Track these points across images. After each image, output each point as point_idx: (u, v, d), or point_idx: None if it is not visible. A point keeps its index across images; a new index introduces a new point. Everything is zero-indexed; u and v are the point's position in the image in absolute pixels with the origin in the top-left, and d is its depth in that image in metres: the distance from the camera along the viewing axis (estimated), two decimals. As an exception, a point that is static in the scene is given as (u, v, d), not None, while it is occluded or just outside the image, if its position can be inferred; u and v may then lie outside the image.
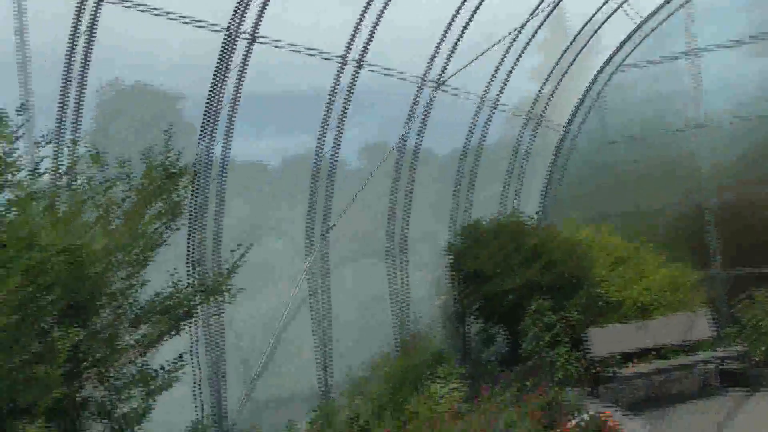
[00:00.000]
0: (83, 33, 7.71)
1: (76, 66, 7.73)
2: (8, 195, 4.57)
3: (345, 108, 9.99)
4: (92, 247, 4.22)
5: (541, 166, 14.67)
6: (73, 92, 7.66)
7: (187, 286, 5.92)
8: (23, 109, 4.94)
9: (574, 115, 14.60)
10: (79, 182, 5.78)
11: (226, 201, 8.66)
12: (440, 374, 9.94)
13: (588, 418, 8.44)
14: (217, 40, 8.64)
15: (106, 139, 8.83)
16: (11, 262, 3.92)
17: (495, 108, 12.78)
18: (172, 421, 5.91)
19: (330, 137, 9.97)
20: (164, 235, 5.90)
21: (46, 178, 4.87)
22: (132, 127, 9.62)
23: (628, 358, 11.24)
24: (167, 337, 5.64)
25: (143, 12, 8.02)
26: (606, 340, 11.13)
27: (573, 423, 8.45)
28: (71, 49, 7.67)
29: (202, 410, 8.02)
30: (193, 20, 8.33)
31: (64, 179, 6.31)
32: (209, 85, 8.72)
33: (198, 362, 8.08)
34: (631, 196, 13.91)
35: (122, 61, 8.49)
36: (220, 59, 8.66)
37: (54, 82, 7.80)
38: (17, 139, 4.47)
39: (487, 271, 11.52)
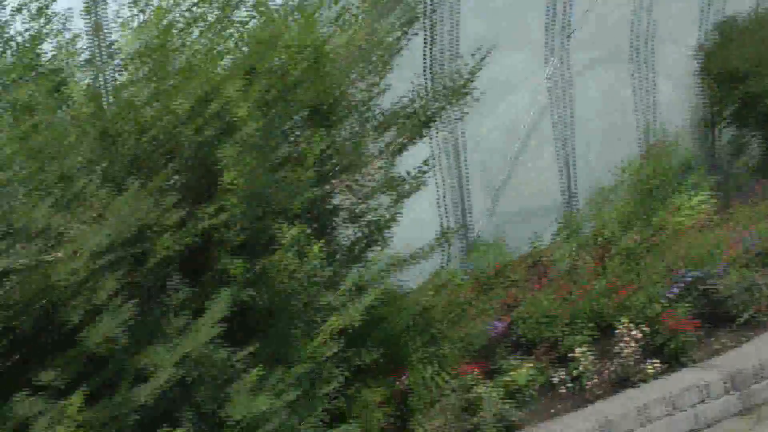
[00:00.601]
0: None
1: None
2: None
3: None
4: (335, 41, 4.11)
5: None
6: None
7: (429, 91, 5.78)
8: None
9: None
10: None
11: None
12: (688, 184, 9.38)
13: None
14: None
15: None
16: (256, 64, 3.91)
17: None
18: (418, 234, 5.92)
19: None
20: (402, 42, 5.77)
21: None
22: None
23: None
24: (411, 145, 5.59)
25: None
26: None
27: None
28: None
29: (447, 221, 8.04)
30: None
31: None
32: None
33: (441, 176, 8.04)
34: None
35: None
36: None
37: None
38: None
39: (743, 71, 10.50)
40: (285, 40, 3.92)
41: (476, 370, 5.60)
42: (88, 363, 4.10)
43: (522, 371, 5.69)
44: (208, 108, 4.13)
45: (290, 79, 3.99)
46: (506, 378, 5.67)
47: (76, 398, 3.70)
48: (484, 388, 5.44)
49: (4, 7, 4.53)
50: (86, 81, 4.62)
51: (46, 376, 3.93)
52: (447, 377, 5.35)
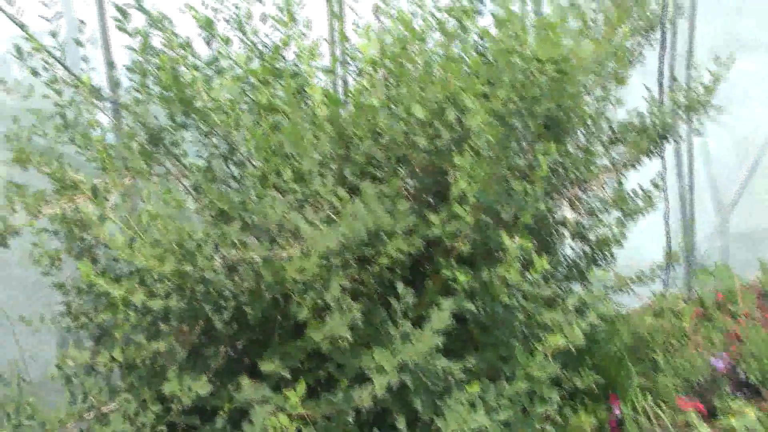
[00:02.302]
0: None
1: None
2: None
3: None
4: (580, 55, 4.00)
5: None
6: None
7: (662, 104, 5.53)
8: None
9: None
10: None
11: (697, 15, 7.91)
12: None
13: None
14: None
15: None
16: (498, 75, 3.87)
17: None
18: (642, 251, 5.68)
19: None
20: (639, 51, 5.58)
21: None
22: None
23: None
24: (641, 161, 5.38)
25: None
26: None
27: None
28: None
29: (672, 240, 7.68)
30: None
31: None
32: None
33: (667, 191, 7.69)
34: None
35: None
36: None
37: None
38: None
39: None
40: (527, 53, 3.84)
41: (693, 408, 5.29)
42: (308, 358, 4.23)
43: (746, 416, 5.30)
44: (443, 116, 4.13)
45: (530, 92, 3.91)
46: (727, 421, 5.30)
47: (299, 388, 3.81)
48: (705, 428, 5.11)
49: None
50: (325, 84, 4.77)
51: (268, 366, 4.08)
52: (664, 411, 5.08)
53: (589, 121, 5.14)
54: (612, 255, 5.11)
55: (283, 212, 3.95)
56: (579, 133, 5.14)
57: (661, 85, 7.59)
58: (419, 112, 4.05)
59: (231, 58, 4.71)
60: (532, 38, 3.98)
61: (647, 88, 5.71)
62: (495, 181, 4.14)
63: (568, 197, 5.12)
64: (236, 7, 4.99)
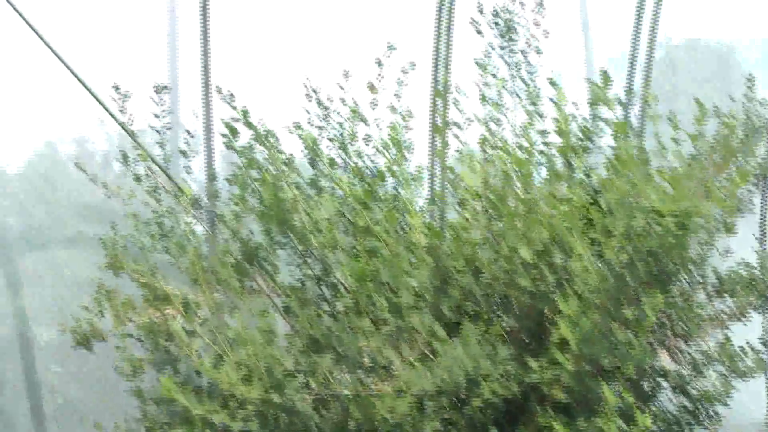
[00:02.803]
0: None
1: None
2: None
3: None
4: (702, 211, 3.83)
5: None
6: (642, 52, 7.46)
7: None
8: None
9: None
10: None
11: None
12: None
13: None
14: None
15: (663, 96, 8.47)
16: (616, 225, 3.72)
17: None
18: (740, 407, 5.32)
19: None
20: (749, 198, 5.38)
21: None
22: (688, 83, 9.14)
23: None
24: (749, 315, 5.10)
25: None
26: None
27: None
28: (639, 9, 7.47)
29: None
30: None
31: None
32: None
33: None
34: None
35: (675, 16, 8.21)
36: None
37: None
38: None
39: None
40: (646, 205, 3.69)
41: None
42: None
43: None
44: (548, 257, 3.98)
45: (647, 243, 3.74)
46: None
47: None
48: None
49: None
50: (425, 212, 4.69)
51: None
52: None
53: (694, 269, 4.92)
54: (717, 414, 4.79)
55: (377, 347, 3.80)
56: (683, 281, 4.91)
57: (764, 233, 7.32)
58: (525, 253, 3.90)
59: (333, 179, 4.67)
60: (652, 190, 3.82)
61: (756, 238, 5.48)
62: (601, 330, 3.94)
63: (669, 347, 4.86)
64: (341, 126, 5.00)
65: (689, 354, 4.90)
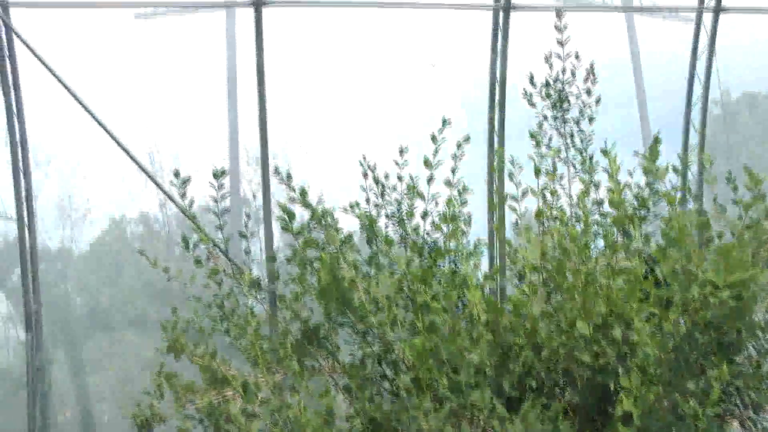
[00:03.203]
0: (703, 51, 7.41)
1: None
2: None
3: None
4: (760, 280, 3.75)
5: None
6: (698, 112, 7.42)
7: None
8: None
9: None
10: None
11: None
12: None
13: None
14: None
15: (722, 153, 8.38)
16: (673, 296, 3.66)
17: None
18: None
19: None
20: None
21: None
22: (743, 139, 9.04)
23: None
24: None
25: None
26: None
27: None
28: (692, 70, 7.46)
29: None
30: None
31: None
32: None
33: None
34: None
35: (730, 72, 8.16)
36: None
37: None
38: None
39: None
40: (701, 277, 3.63)
41: None
42: None
43: None
44: (608, 331, 3.92)
45: (704, 316, 3.67)
46: None
47: None
48: None
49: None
50: (485, 286, 4.67)
51: None
52: None
53: (762, 336, 4.78)
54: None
55: (437, 426, 3.77)
56: (751, 348, 4.78)
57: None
58: (584, 328, 3.86)
59: (390, 257, 4.69)
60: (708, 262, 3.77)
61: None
62: (663, 403, 3.85)
63: (739, 418, 4.71)
64: (398, 203, 5.05)
65: (761, 424, 4.74)
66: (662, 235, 4.00)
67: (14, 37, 6.59)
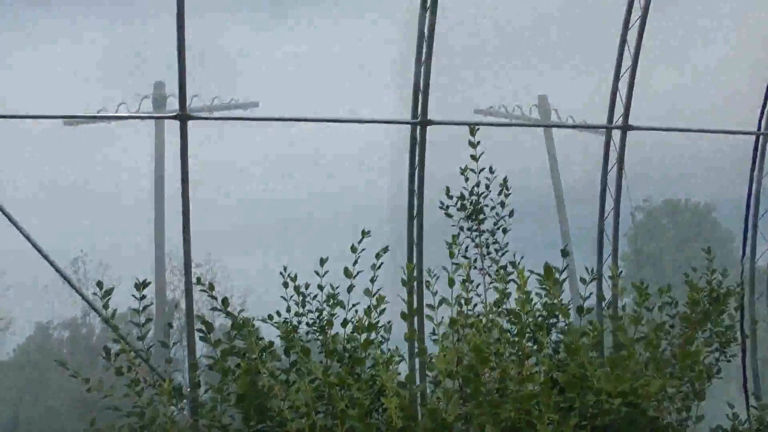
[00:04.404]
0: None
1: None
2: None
3: None
4: (649, 390, 3.99)
5: None
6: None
7: (746, 421, 5.37)
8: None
9: None
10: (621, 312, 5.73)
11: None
12: None
13: None
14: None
15: (642, 260, 8.69)
16: (570, 404, 3.86)
17: None
18: None
19: None
20: (717, 365, 5.51)
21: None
22: (666, 245, 9.40)
23: None
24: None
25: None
26: None
27: None
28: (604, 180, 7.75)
29: None
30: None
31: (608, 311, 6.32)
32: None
33: None
34: None
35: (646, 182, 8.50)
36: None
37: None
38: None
39: None
40: (598, 384, 3.85)
41: None
42: None
43: None
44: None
45: (600, 421, 3.87)
46: None
47: None
48: None
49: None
50: (402, 393, 4.79)
51: None
52: None
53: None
54: None
55: None
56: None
57: (746, 391, 7.38)
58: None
59: (308, 366, 4.80)
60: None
61: (730, 405, 5.55)
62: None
63: None
64: (319, 312, 5.21)
65: None
66: (563, 346, 4.22)
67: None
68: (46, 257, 5.41)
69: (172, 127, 6.85)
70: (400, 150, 6.97)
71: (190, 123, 6.15)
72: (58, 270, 5.44)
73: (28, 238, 5.47)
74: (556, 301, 4.60)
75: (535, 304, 4.83)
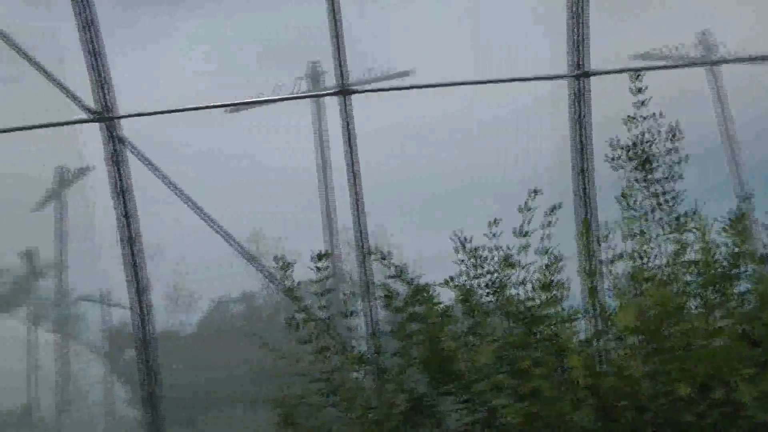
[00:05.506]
0: None
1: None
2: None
3: None
4: None
5: None
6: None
7: None
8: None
9: None
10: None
11: None
12: None
13: None
14: None
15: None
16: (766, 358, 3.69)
17: None
18: None
19: None
20: None
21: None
22: None
23: None
24: None
25: None
26: None
27: None
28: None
29: None
30: None
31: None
32: None
33: None
34: None
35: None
36: None
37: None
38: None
39: None
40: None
41: None
42: None
43: None
44: (711, 392, 3.96)
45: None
46: None
47: None
48: None
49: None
50: (584, 352, 4.74)
51: None
52: None
53: None
54: None
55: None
56: None
57: None
58: (683, 389, 3.90)
59: (488, 327, 4.82)
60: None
61: None
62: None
63: None
64: (493, 274, 5.19)
65: None
66: (754, 296, 4.03)
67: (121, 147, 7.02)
68: (226, 238, 5.67)
69: (331, 102, 7.01)
70: (554, 107, 6.82)
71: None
72: (239, 247, 5.69)
73: (208, 219, 5.73)
74: (744, 248, 4.39)
75: (716, 254, 4.65)
